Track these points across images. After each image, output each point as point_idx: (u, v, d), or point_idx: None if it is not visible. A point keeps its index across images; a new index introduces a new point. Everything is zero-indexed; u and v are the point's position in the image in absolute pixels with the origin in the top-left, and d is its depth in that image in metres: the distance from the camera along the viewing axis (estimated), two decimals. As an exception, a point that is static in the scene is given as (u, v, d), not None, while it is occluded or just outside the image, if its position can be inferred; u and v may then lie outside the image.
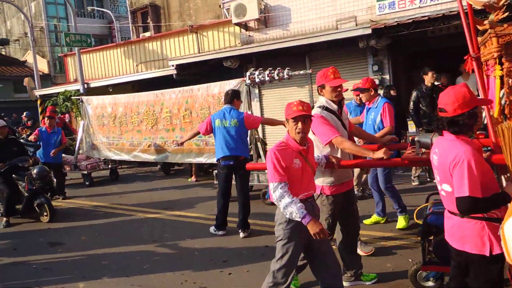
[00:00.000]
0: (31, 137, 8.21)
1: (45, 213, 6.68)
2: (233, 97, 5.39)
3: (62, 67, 26.16)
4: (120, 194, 8.33)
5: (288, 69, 6.61)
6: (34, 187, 6.62)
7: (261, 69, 6.85)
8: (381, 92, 7.53)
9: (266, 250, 4.71)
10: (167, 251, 5.00)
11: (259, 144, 6.97)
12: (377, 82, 9.69)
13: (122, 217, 6.69)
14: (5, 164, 6.58)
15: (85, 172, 9.42)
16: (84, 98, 10.21)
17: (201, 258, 4.67)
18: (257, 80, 6.77)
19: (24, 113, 15.05)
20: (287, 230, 2.86)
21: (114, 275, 4.39)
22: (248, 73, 6.88)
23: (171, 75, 11.89)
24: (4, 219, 6.66)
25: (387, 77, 9.76)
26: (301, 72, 6.61)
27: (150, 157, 8.83)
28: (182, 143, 5.97)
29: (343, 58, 10.38)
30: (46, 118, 8.37)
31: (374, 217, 5.24)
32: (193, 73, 12.10)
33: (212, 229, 5.41)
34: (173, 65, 11.72)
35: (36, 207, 6.77)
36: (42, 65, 26.73)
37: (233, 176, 5.39)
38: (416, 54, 10.28)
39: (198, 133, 5.69)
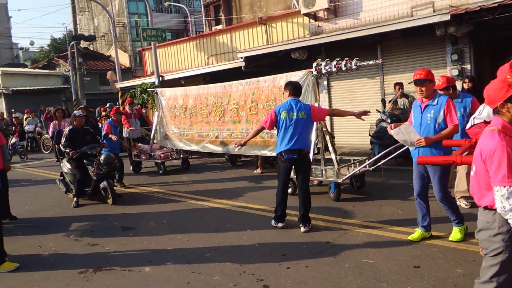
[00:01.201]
0: (105, 131, 8.68)
1: (109, 196, 7.30)
2: (300, 89, 5.34)
3: (141, 61, 27.74)
4: (189, 183, 8.65)
5: (356, 59, 6.35)
6: (101, 172, 7.22)
7: (328, 59, 6.67)
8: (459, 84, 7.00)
9: (326, 246, 4.62)
10: (228, 241, 5.09)
11: (327, 137, 6.80)
12: (456, 72, 9.01)
13: (188, 205, 6.94)
14: (76, 152, 7.26)
15: (159, 161, 9.90)
16: (159, 90, 10.70)
17: (261, 250, 4.70)
18: (323, 71, 6.61)
19: (107, 104, 16.20)
20: (509, 242, 2.33)
21: (177, 262, 4.57)
22: (314, 64, 6.74)
23: (240, 67, 12.06)
24: (74, 199, 7.37)
25: (468, 67, 9.04)
26: (371, 62, 6.32)
27: (217, 148, 9.05)
28: (244, 143, 5.62)
29: (419, 47, 9.80)
30: (115, 114, 9.17)
31: (420, 232, 4.57)
32: (261, 65, 12.16)
33: (273, 222, 5.41)
34: (241, 57, 11.87)
35: (102, 191, 7.40)
36: (124, 59, 28.58)
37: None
38: (502, 42, 9.38)
39: (262, 129, 5.50)
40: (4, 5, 44.01)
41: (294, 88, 5.30)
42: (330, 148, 6.74)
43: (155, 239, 5.37)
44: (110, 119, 9.21)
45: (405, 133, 4.18)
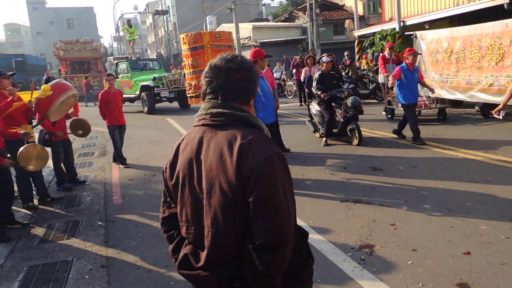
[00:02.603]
0: (393, 75, 7.61)
1: (355, 138, 7.73)
2: None
3: (375, 8, 27.01)
4: (435, 132, 8.27)
5: None
6: (348, 115, 7.63)
7: None
8: None
9: None
10: (491, 193, 4.75)
11: None
12: None
13: (436, 153, 6.71)
14: (327, 94, 7.79)
15: None
16: (418, 33, 10.19)
17: (535, 209, 4.22)
18: None
19: (345, 53, 16.66)
20: None
21: (434, 206, 4.57)
22: None
23: (501, 6, 10.38)
24: (324, 139, 8.04)
25: None
26: None
27: (490, 98, 8.12)
28: (504, 107, 4.77)
29: None
30: (411, 56, 7.42)
31: None
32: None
33: None
34: (507, -8, 10.14)
35: (348, 132, 7.87)
36: (358, 7, 28.38)
37: None
38: None
39: None
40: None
41: None
42: None
43: (407, 181, 5.46)
44: (404, 62, 7.57)
45: None
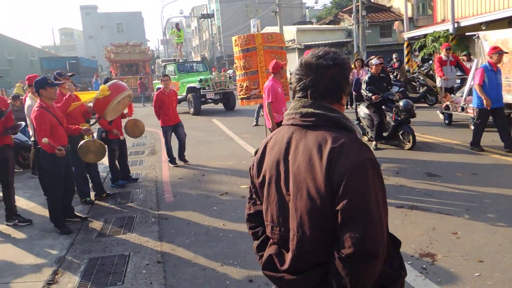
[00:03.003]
0: (478, 84, 6.77)
1: (408, 142, 7.47)
2: None
3: (424, 9, 26.18)
4: (495, 139, 7.83)
5: None
6: (400, 118, 7.39)
7: None
8: None
9: None
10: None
11: None
12: None
13: (496, 160, 6.38)
14: (379, 96, 7.55)
15: (472, 115, 8.95)
16: (481, 34, 9.68)
17: None
18: None
19: (394, 55, 16.22)
20: None
21: (499, 215, 4.31)
22: None
23: None
24: (374, 142, 7.79)
25: None
26: None
27: None
28: None
29: None
30: (495, 55, 6.75)
31: None
32: None
33: None
34: None
35: (400, 135, 7.61)
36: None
37: None
38: None
39: None
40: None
41: None
42: None
43: (467, 188, 5.20)
44: (486, 62, 6.96)
45: None
